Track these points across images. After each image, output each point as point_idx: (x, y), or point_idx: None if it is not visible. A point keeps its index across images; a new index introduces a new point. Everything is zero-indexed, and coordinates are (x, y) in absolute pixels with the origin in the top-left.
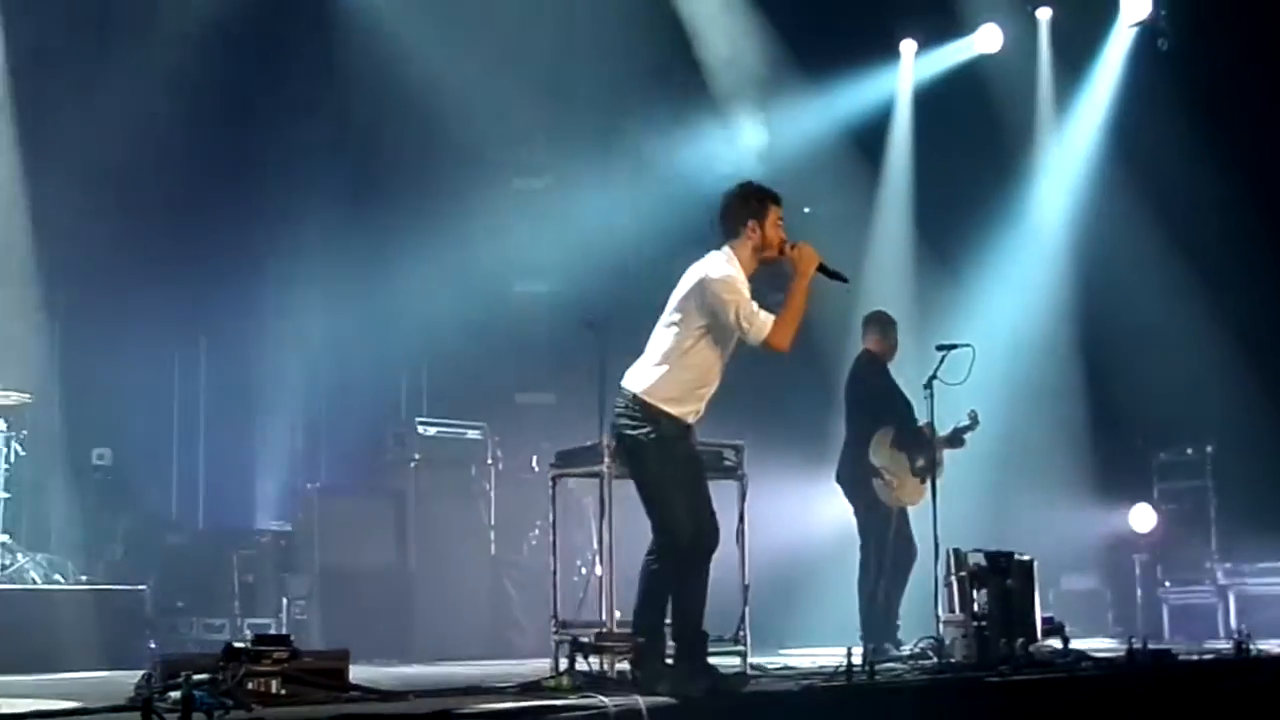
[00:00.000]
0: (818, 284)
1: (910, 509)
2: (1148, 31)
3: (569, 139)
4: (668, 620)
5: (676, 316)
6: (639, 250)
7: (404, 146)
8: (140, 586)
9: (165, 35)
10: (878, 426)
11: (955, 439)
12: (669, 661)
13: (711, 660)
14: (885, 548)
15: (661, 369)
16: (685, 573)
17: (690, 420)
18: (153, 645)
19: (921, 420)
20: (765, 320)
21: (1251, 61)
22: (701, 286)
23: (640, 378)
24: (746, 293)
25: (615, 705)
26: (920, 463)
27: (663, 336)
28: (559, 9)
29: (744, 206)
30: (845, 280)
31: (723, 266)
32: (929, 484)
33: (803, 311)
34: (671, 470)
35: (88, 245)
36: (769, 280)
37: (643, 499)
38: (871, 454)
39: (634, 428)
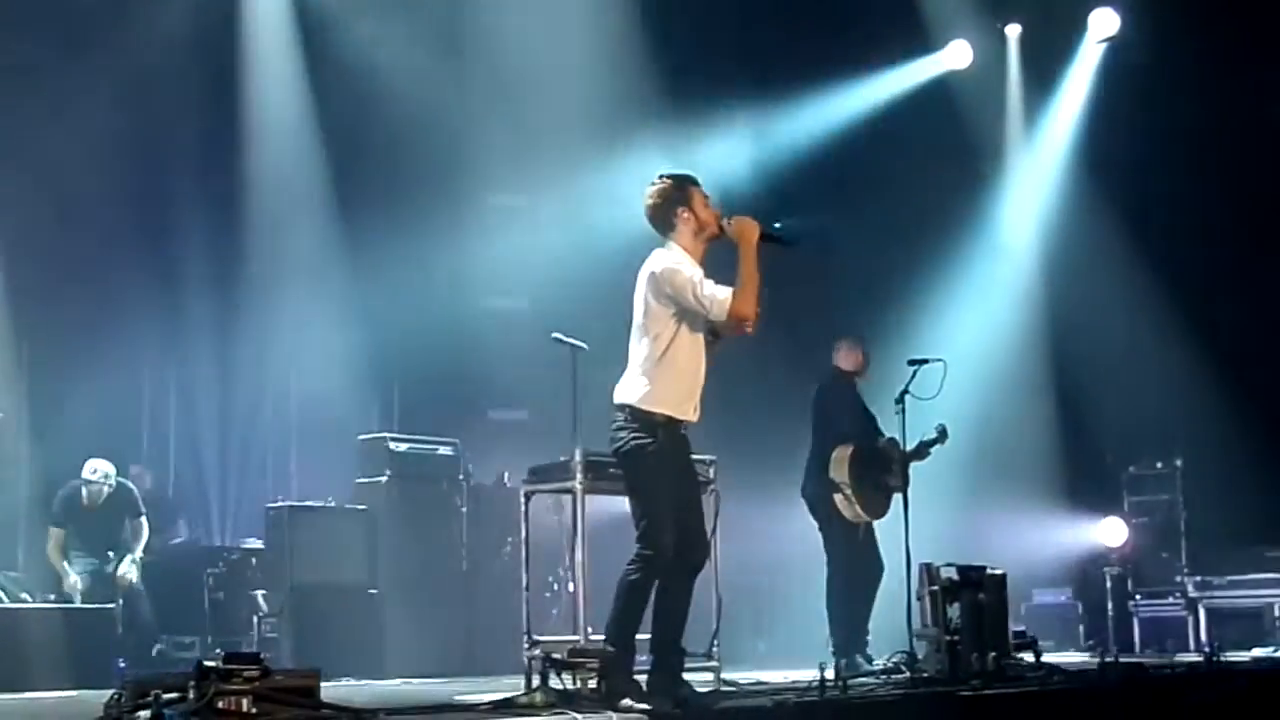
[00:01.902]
0: (794, 298)
1: (880, 524)
2: (1116, 47)
3: (543, 156)
4: (642, 634)
5: (643, 322)
6: (612, 267)
7: (378, 162)
8: (109, 605)
9: (132, 49)
10: (839, 443)
11: (920, 452)
12: (643, 675)
13: (685, 676)
14: (851, 563)
15: (649, 374)
16: (666, 586)
17: (692, 418)
18: (122, 664)
19: (887, 435)
20: (724, 295)
21: (1219, 76)
22: (653, 282)
23: (631, 389)
24: (698, 274)
25: None
26: (883, 478)
27: (638, 347)
28: (534, 25)
29: (666, 198)
30: (791, 243)
31: (665, 257)
32: (891, 500)
33: (757, 275)
34: (665, 484)
35: (57, 263)
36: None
37: (632, 508)
38: (831, 470)
39: (634, 439)
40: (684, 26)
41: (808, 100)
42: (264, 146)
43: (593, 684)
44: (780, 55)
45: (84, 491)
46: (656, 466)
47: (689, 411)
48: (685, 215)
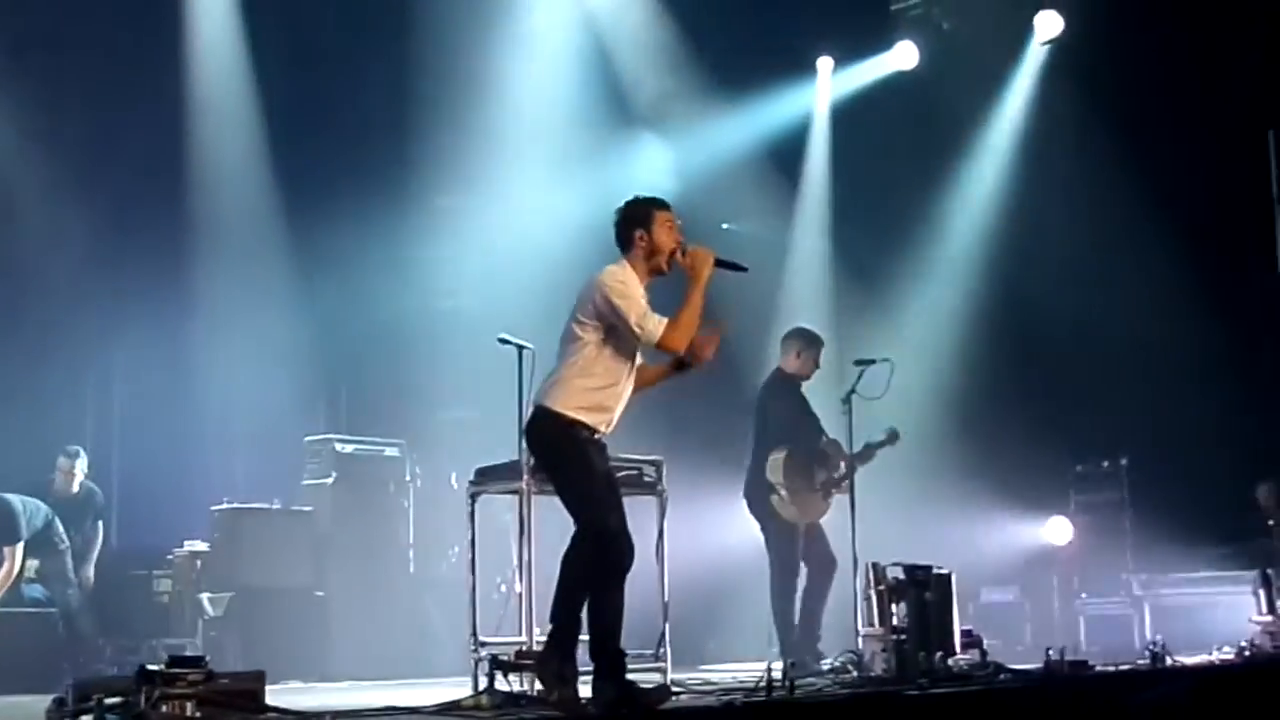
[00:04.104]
0: (740, 300)
1: (827, 523)
2: (1061, 48)
3: (488, 158)
4: (584, 636)
5: (574, 329)
6: (559, 268)
7: (324, 162)
8: (52, 609)
9: (75, 43)
10: (775, 445)
11: (866, 454)
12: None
13: (632, 677)
14: (790, 562)
15: (568, 381)
16: (598, 593)
17: (603, 430)
18: (65, 668)
19: (830, 437)
20: (659, 322)
21: (1165, 77)
22: (594, 293)
23: (549, 392)
24: (640, 297)
25: None
26: (822, 478)
27: (565, 349)
28: (478, 25)
29: (630, 217)
30: (744, 269)
31: (615, 273)
32: (830, 500)
33: (699, 313)
34: (588, 467)
35: None
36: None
37: (565, 501)
38: (768, 471)
39: (549, 435)
40: (629, 29)
41: (754, 101)
42: (210, 145)
43: (540, 686)
44: (726, 56)
45: (55, 476)
46: (578, 452)
47: (601, 423)
48: (641, 236)
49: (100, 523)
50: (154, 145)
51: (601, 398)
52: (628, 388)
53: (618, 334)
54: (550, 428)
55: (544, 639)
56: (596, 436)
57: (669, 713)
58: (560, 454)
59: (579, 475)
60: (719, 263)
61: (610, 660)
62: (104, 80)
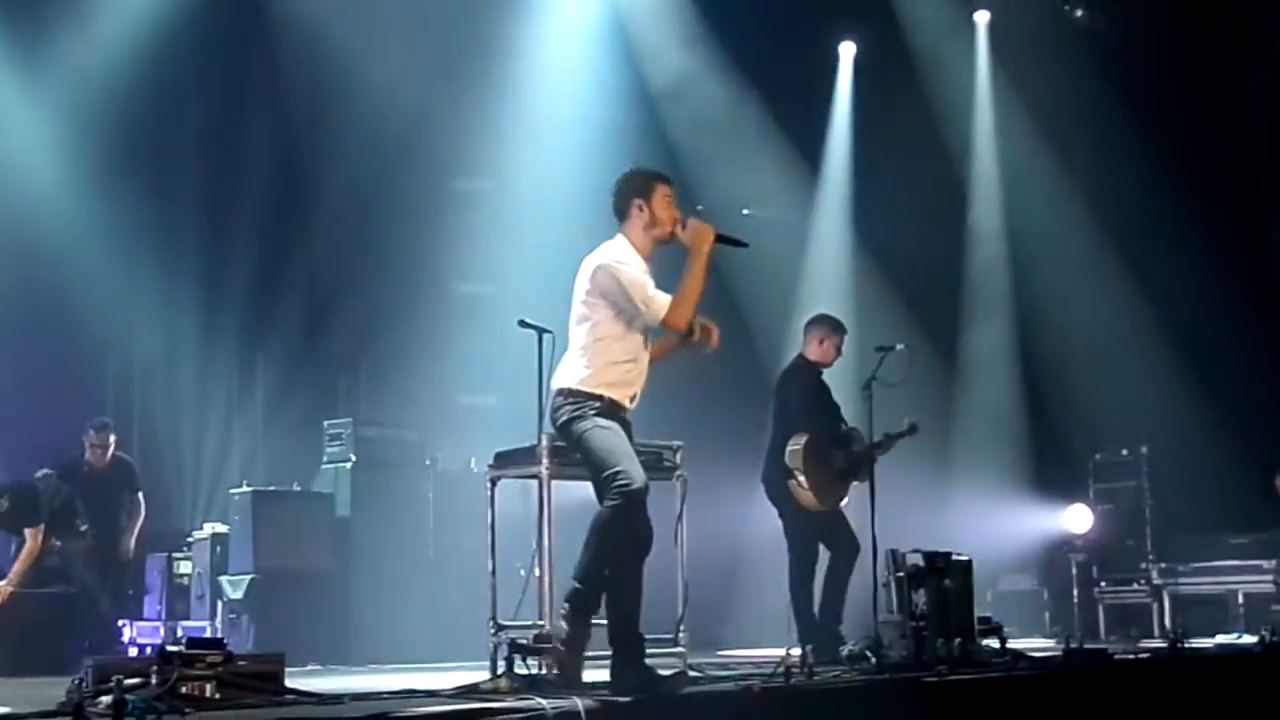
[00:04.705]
0: (761, 286)
1: (849, 509)
2: (1084, 34)
3: (509, 140)
4: (601, 620)
5: (583, 310)
6: (579, 252)
7: (345, 145)
8: (73, 590)
9: (98, 34)
10: (794, 431)
11: (884, 444)
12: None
13: (650, 661)
14: (810, 548)
15: (587, 360)
16: (617, 574)
17: (629, 404)
18: (85, 649)
19: (850, 425)
20: (662, 300)
21: (1187, 66)
22: (595, 274)
23: (570, 374)
24: (640, 273)
25: (553, 707)
26: (840, 465)
27: (577, 333)
28: (499, 8)
29: (629, 187)
30: (745, 245)
31: (612, 251)
32: (848, 487)
33: (700, 289)
34: (614, 433)
35: (17, 247)
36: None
37: (591, 468)
38: (786, 457)
39: (574, 410)
40: (650, 14)
41: (775, 85)
42: (225, 130)
43: (556, 671)
44: (749, 40)
45: (85, 449)
46: (603, 424)
47: (626, 399)
48: (640, 206)
49: (140, 494)
50: (169, 128)
51: (622, 372)
52: (645, 360)
53: (625, 312)
54: (575, 406)
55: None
56: (623, 414)
57: (688, 698)
58: (586, 426)
59: (605, 442)
60: (719, 238)
61: (629, 645)
62: (129, 63)
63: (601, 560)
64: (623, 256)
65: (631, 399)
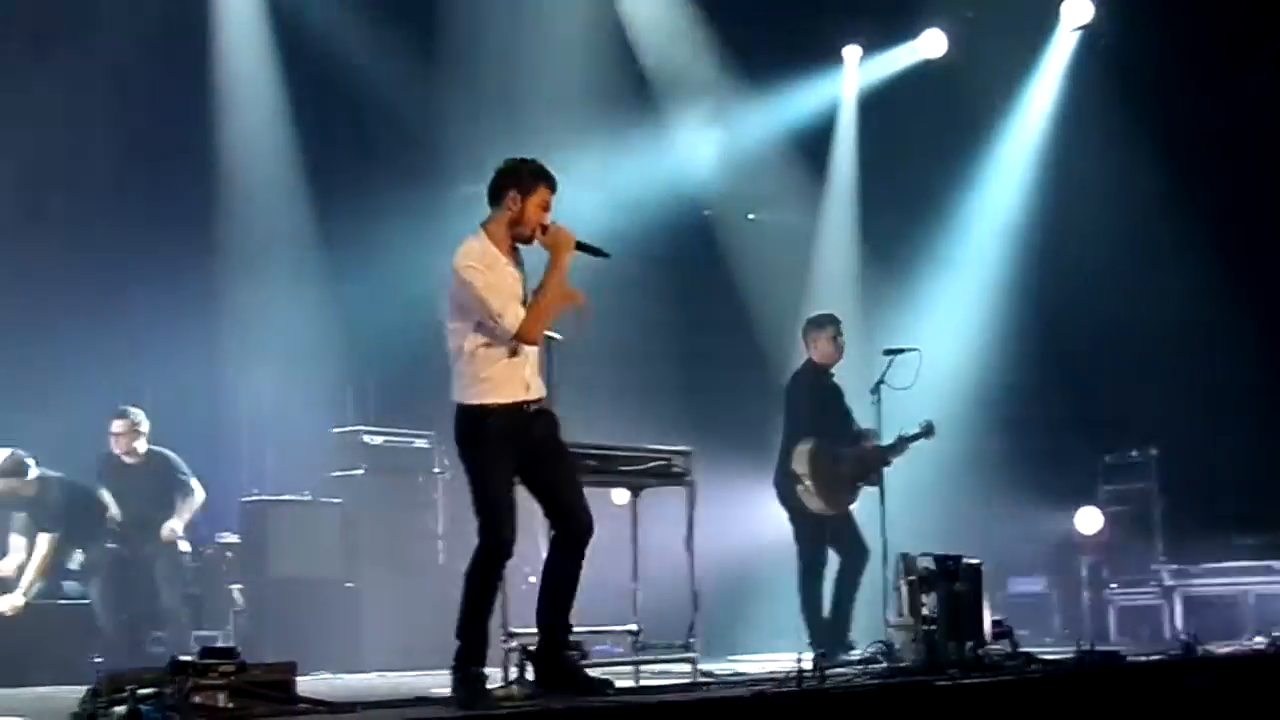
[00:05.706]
0: (767, 292)
1: (859, 512)
2: (1090, 35)
3: (515, 146)
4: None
5: (449, 324)
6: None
7: (350, 152)
8: (85, 600)
9: (102, 38)
10: (803, 436)
11: (898, 446)
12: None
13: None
14: (817, 554)
15: (468, 369)
16: (551, 562)
17: (528, 396)
18: (98, 659)
19: (863, 427)
20: (516, 314)
21: (1195, 62)
22: (453, 277)
23: (456, 388)
24: (493, 276)
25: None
26: (848, 470)
27: (449, 339)
28: (507, 16)
29: (512, 176)
30: (606, 255)
31: (466, 255)
32: (857, 492)
33: (558, 300)
34: (498, 473)
35: (23, 256)
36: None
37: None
38: (794, 462)
39: (463, 434)
40: (656, 18)
41: (781, 90)
42: (235, 137)
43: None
44: (753, 45)
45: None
46: (487, 457)
47: (520, 391)
48: (514, 199)
49: (192, 480)
50: (181, 138)
51: (504, 368)
52: (534, 346)
53: (486, 321)
54: (462, 426)
55: (579, 629)
56: (528, 410)
57: (699, 703)
58: (468, 455)
59: (482, 480)
60: (580, 246)
61: (554, 636)
62: (130, 72)
63: (470, 612)
64: (476, 262)
65: (525, 388)
